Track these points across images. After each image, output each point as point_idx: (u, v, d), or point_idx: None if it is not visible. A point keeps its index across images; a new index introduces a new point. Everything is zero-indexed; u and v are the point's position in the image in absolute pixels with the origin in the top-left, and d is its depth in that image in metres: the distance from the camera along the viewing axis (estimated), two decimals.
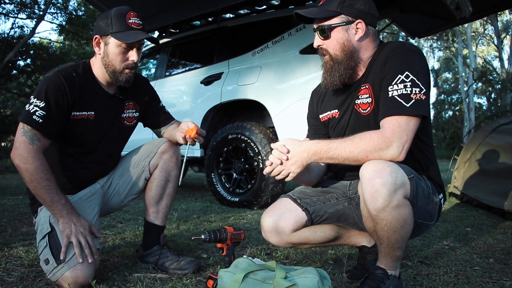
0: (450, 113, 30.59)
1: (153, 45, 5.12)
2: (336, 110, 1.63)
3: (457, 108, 28.60)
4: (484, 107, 28.35)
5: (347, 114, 1.59)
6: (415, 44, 27.88)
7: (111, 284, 1.59)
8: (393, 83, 1.38)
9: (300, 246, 1.70)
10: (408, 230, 1.36)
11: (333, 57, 1.51)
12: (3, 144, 17.93)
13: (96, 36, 1.65)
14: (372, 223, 1.36)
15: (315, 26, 1.53)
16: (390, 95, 1.37)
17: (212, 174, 3.99)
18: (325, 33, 1.49)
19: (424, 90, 1.35)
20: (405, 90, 1.35)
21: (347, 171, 1.68)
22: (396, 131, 1.32)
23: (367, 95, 1.50)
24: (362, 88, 1.53)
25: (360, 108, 1.54)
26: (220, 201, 3.97)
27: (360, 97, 1.53)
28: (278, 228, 1.61)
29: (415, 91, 1.34)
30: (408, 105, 1.33)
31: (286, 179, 1.46)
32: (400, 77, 1.37)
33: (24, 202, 4.00)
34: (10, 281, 1.62)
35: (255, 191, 3.68)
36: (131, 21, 1.63)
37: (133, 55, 1.66)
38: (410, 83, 1.35)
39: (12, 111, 19.28)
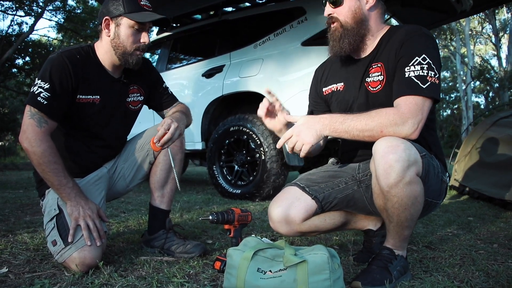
0: (449, 111, 30.67)
1: (154, 38, 5.11)
2: (342, 83, 1.65)
3: (455, 106, 28.67)
4: (482, 106, 28.46)
5: (353, 90, 1.60)
6: None
7: (118, 266, 1.59)
8: (410, 64, 1.40)
9: (309, 234, 1.70)
10: (418, 208, 1.37)
11: (343, 24, 1.54)
12: (1, 143, 17.88)
13: (106, 17, 1.65)
14: (383, 200, 1.36)
15: None
16: (407, 76, 1.40)
17: (214, 166, 3.99)
18: (338, 1, 1.53)
19: (438, 75, 1.39)
20: (422, 72, 1.38)
21: (353, 154, 1.68)
22: (412, 108, 1.35)
23: (379, 73, 1.52)
24: (373, 66, 1.55)
25: (370, 86, 1.55)
26: (221, 194, 3.97)
27: (371, 75, 1.55)
28: (288, 218, 1.58)
29: (431, 74, 1.38)
30: (424, 87, 1.36)
31: (301, 154, 1.43)
32: (417, 59, 1.40)
33: (26, 195, 3.99)
34: (16, 263, 1.62)
35: (257, 183, 3.68)
36: (143, 2, 1.65)
37: (144, 37, 1.67)
38: (426, 66, 1.39)
39: (10, 109, 19.22)
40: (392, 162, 1.28)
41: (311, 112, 1.80)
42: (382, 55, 1.52)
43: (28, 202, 3.50)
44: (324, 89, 1.72)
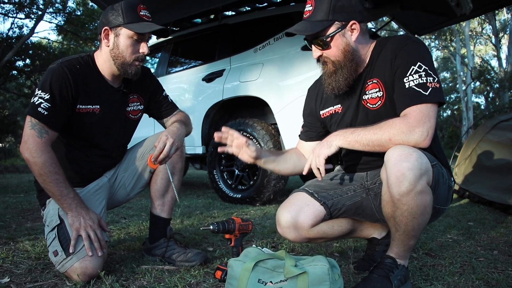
0: (449, 112, 30.65)
1: (154, 42, 5.12)
2: (339, 105, 1.64)
3: (456, 107, 28.64)
4: (482, 106, 28.43)
5: (351, 110, 1.59)
6: None
7: (119, 275, 1.60)
8: (407, 75, 1.41)
9: (316, 241, 1.70)
10: (426, 218, 1.38)
11: (336, 64, 1.51)
12: (0, 145, 17.89)
13: (106, 27, 1.65)
14: (392, 208, 1.37)
15: (308, 38, 1.51)
16: (407, 86, 1.40)
17: (214, 171, 4.00)
18: (325, 44, 1.49)
19: (437, 78, 1.40)
20: (421, 79, 1.39)
21: (358, 165, 1.68)
22: (419, 116, 1.35)
23: (377, 89, 1.51)
24: (368, 83, 1.54)
25: (368, 104, 1.54)
26: (222, 198, 3.98)
27: (367, 92, 1.54)
28: (297, 223, 1.58)
29: (430, 80, 1.38)
30: (427, 93, 1.37)
31: (321, 169, 1.44)
32: (413, 68, 1.40)
33: (27, 200, 4.00)
34: (18, 273, 1.63)
35: (257, 187, 3.68)
36: (142, 13, 1.64)
37: (143, 47, 1.67)
38: (424, 73, 1.39)
39: (10, 111, 19.24)
40: (405, 170, 1.29)
41: (305, 131, 1.79)
42: (376, 70, 1.51)
43: (29, 207, 3.51)
44: (321, 112, 1.71)
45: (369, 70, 1.54)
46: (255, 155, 1.60)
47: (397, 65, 1.44)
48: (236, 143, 1.58)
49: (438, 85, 1.39)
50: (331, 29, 1.47)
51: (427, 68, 1.39)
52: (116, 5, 1.64)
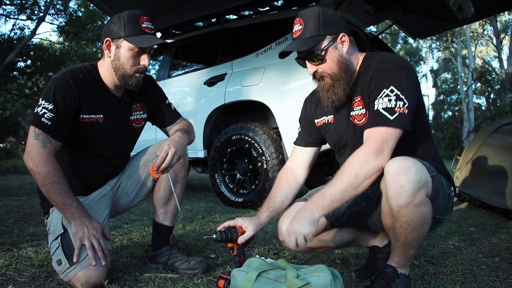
0: (450, 113, 30.61)
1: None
2: (332, 116, 1.67)
3: (456, 108, 28.61)
4: (483, 107, 28.39)
5: (343, 123, 1.63)
6: (415, 45, 27.95)
7: (122, 284, 1.61)
8: (378, 97, 1.43)
9: (318, 250, 1.72)
10: (426, 229, 1.40)
11: (333, 76, 1.52)
12: (2, 145, 17.93)
13: (107, 38, 1.64)
14: (392, 219, 1.38)
15: (302, 56, 1.53)
16: (375, 108, 1.42)
17: (216, 174, 4.00)
18: (321, 58, 1.50)
19: (407, 104, 1.39)
20: (390, 104, 1.40)
21: None
22: (376, 139, 1.38)
23: (361, 107, 1.54)
24: (355, 100, 1.56)
25: (355, 120, 1.57)
26: (224, 202, 3.99)
27: (354, 109, 1.57)
28: None
29: (399, 104, 1.39)
30: (392, 118, 1.38)
31: (309, 244, 1.42)
32: (385, 92, 1.42)
33: (29, 203, 4.01)
34: (22, 281, 1.64)
35: (259, 191, 3.69)
36: (144, 25, 1.63)
37: (144, 60, 1.66)
38: (394, 97, 1.40)
39: (12, 112, 19.27)
40: (404, 182, 1.30)
41: (304, 137, 1.79)
42: (360, 88, 1.54)
43: (31, 211, 3.52)
44: (316, 121, 1.75)
45: (356, 86, 1.56)
46: (254, 232, 1.59)
47: (372, 86, 1.47)
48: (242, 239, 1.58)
49: (407, 111, 1.38)
50: (324, 43, 1.49)
51: (399, 93, 1.39)
52: (119, 15, 1.63)
